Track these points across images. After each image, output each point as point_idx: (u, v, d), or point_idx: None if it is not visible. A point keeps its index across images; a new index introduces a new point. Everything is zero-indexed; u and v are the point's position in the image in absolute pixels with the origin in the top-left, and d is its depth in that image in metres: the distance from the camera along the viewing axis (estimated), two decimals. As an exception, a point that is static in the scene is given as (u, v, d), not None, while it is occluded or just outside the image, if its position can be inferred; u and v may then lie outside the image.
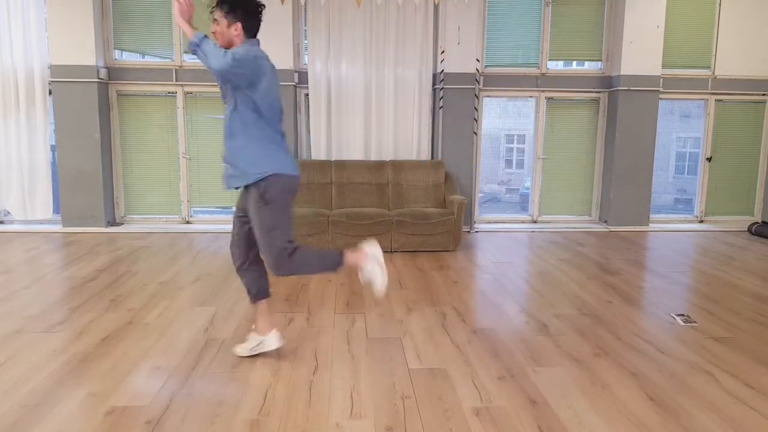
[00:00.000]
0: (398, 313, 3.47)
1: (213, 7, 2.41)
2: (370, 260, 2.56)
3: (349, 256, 2.57)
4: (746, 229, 6.44)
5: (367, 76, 6.08)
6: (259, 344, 2.74)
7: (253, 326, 2.79)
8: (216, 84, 6.04)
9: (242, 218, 2.62)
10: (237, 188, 2.56)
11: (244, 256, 2.66)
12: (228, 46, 2.46)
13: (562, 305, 3.67)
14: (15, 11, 5.77)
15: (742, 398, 2.40)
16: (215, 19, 2.43)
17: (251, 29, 2.50)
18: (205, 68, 6.05)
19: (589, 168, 6.70)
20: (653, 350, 2.92)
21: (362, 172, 5.81)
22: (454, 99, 6.17)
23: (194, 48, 2.30)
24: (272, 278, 4.24)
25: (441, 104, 6.17)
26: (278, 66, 6.24)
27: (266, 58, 2.51)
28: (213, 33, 2.45)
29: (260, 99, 2.41)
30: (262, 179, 2.43)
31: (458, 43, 6.06)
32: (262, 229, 2.45)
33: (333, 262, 2.56)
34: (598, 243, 5.70)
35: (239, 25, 2.44)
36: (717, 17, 6.47)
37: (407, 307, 3.60)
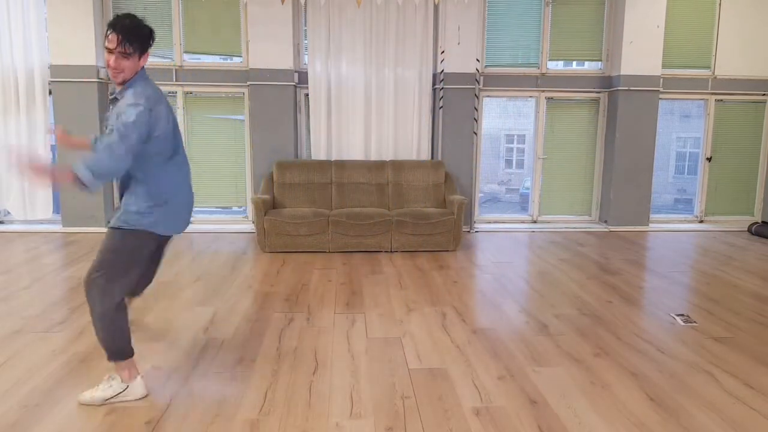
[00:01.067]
0: (398, 313, 3.47)
1: (120, 43, 2.11)
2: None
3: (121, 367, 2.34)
4: (746, 229, 6.44)
5: (367, 76, 6.08)
6: (121, 392, 2.33)
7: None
8: (215, 84, 6.09)
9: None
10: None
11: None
12: (132, 76, 2.19)
13: (562, 305, 3.67)
14: (15, 11, 5.77)
15: (742, 398, 2.40)
16: (122, 53, 2.12)
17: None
18: (205, 68, 6.09)
19: (589, 168, 6.70)
20: (653, 350, 2.92)
21: (362, 172, 5.81)
22: (454, 99, 6.17)
23: (89, 182, 2.00)
24: (273, 278, 4.25)
25: (441, 104, 6.17)
26: (278, 66, 6.28)
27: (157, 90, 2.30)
28: (115, 68, 2.14)
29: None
30: None
31: (458, 43, 6.06)
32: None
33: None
34: (598, 243, 5.70)
35: (147, 54, 2.22)
36: (717, 17, 6.47)
37: (407, 307, 3.60)
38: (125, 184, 2.29)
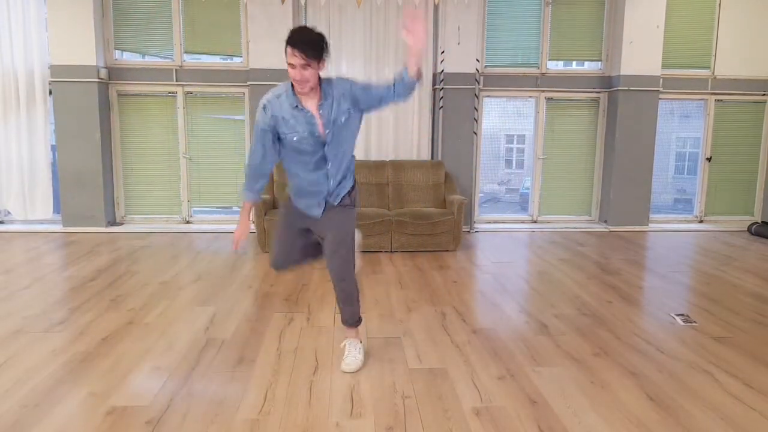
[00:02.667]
0: (398, 313, 3.47)
1: (309, 57, 2.24)
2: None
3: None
4: (746, 229, 6.44)
5: (367, 76, 6.08)
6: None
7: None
8: (216, 84, 6.09)
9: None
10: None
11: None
12: (314, 84, 2.34)
13: (562, 305, 3.67)
14: (15, 11, 5.77)
15: (742, 398, 2.40)
16: (308, 65, 2.24)
17: None
18: (205, 68, 6.09)
19: (589, 168, 6.70)
20: (653, 350, 2.92)
21: (362, 172, 5.80)
22: (454, 99, 6.17)
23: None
24: (273, 278, 4.25)
25: (441, 104, 6.17)
26: (278, 66, 6.27)
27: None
28: (298, 79, 2.27)
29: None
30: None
31: (458, 43, 6.06)
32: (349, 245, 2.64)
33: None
34: (598, 243, 5.71)
35: (324, 61, 2.34)
36: (717, 17, 6.47)
37: (407, 307, 3.60)
38: (344, 165, 2.54)
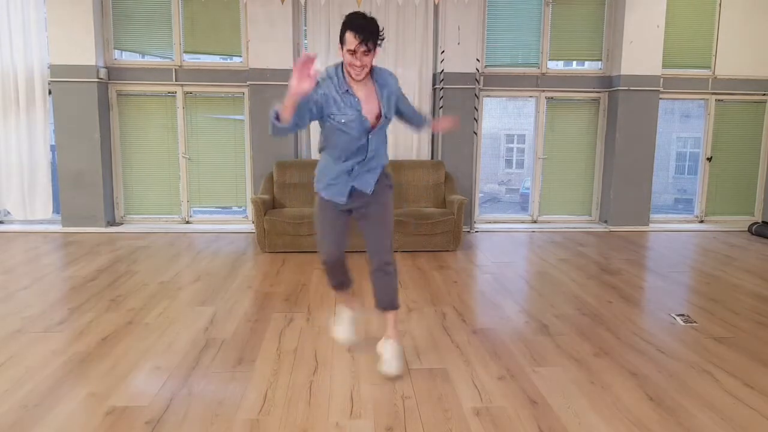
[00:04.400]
0: (398, 313, 3.46)
1: (371, 43, 2.29)
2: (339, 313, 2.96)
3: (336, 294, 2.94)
4: (746, 229, 6.44)
5: (367, 76, 6.08)
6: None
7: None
8: (215, 84, 6.09)
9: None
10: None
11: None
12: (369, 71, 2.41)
13: (562, 305, 3.66)
14: (15, 11, 5.77)
15: (742, 398, 2.40)
16: (369, 51, 2.29)
17: None
18: (205, 68, 6.09)
19: (589, 168, 6.70)
20: (653, 350, 2.92)
21: (362, 172, 5.80)
22: (454, 99, 6.17)
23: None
24: (273, 278, 4.25)
25: (441, 104, 6.17)
26: (278, 66, 6.28)
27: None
28: (358, 65, 2.30)
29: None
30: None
31: (458, 43, 6.06)
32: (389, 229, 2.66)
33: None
34: (598, 243, 5.70)
35: (378, 49, 2.38)
36: (717, 17, 6.47)
37: (407, 307, 3.60)
38: (379, 149, 2.55)
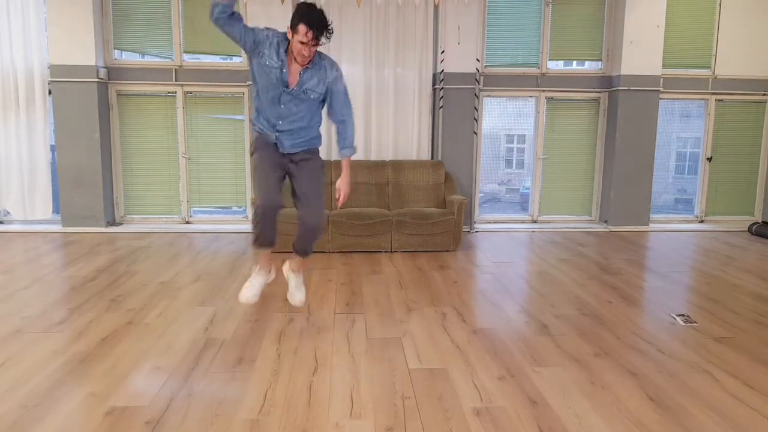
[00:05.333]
0: (398, 313, 3.47)
1: (321, 36, 2.63)
2: (254, 277, 3.15)
3: (257, 252, 3.17)
4: (746, 229, 6.44)
5: (367, 76, 6.08)
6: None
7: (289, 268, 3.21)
8: (215, 84, 6.08)
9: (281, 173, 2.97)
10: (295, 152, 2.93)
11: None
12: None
13: (562, 305, 3.66)
14: (15, 11, 5.77)
15: (742, 398, 2.40)
16: (317, 44, 2.66)
17: None
18: (205, 68, 6.09)
19: (589, 168, 6.70)
20: (653, 350, 2.91)
21: (362, 172, 5.80)
22: (454, 99, 6.17)
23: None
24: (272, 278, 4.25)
25: (441, 104, 6.17)
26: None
27: None
28: (306, 55, 2.67)
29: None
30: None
31: (458, 43, 6.06)
32: (320, 193, 2.97)
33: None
34: (598, 243, 5.70)
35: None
36: (717, 17, 6.47)
37: (407, 307, 3.60)
38: (300, 123, 2.88)
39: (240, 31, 2.68)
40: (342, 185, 2.95)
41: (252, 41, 2.71)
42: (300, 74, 2.74)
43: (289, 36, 2.65)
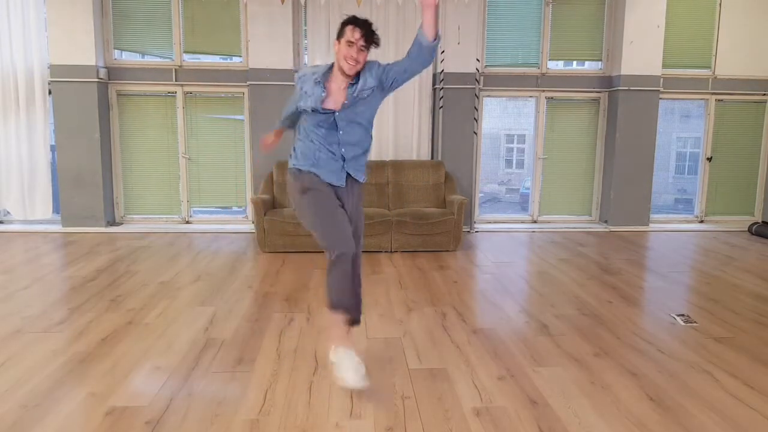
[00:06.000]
0: (398, 313, 3.47)
1: (369, 37, 2.41)
2: (340, 357, 2.41)
3: (332, 322, 2.49)
4: (746, 229, 6.44)
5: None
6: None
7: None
8: (215, 84, 6.08)
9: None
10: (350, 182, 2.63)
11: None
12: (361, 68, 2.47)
13: (562, 305, 3.66)
14: (15, 11, 5.77)
15: (742, 398, 2.40)
16: (365, 48, 2.41)
17: None
18: (205, 68, 6.09)
19: (589, 168, 6.70)
20: (653, 350, 2.91)
21: (362, 172, 5.80)
22: (454, 99, 6.17)
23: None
24: (273, 278, 4.25)
25: (441, 104, 6.17)
26: (278, 66, 6.28)
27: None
28: (354, 57, 2.39)
29: None
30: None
31: (458, 43, 6.06)
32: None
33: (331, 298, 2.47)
34: (598, 243, 5.70)
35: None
36: (717, 17, 6.47)
37: (407, 307, 3.60)
38: (358, 139, 2.57)
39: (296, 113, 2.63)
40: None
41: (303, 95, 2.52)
42: (347, 88, 2.46)
43: (336, 48, 2.44)
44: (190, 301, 3.68)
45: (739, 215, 6.86)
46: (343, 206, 2.55)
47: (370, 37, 2.40)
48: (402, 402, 2.34)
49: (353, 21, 2.41)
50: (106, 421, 2.16)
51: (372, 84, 2.48)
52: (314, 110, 2.47)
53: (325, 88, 2.48)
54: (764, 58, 6.56)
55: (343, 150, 2.51)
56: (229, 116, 6.34)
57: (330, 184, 2.52)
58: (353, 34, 2.36)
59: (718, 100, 6.65)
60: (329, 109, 2.46)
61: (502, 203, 10.91)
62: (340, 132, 2.50)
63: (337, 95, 2.48)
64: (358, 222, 2.65)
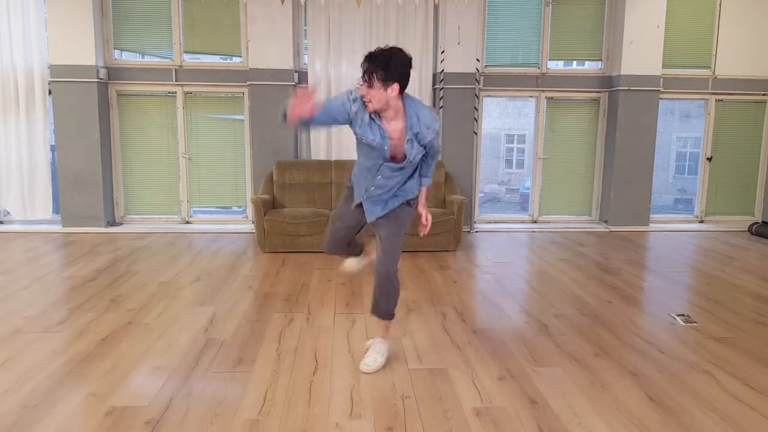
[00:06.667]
0: (398, 313, 3.46)
1: (370, 75, 2.31)
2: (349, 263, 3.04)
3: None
4: (746, 229, 6.44)
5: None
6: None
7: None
8: (215, 84, 6.08)
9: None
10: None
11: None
12: (386, 106, 2.36)
13: (562, 305, 3.66)
14: (15, 11, 5.77)
15: (742, 398, 2.40)
16: (370, 84, 2.32)
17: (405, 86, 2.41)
18: (205, 68, 6.09)
19: (589, 168, 6.70)
20: (653, 350, 2.91)
21: (362, 172, 5.80)
22: (454, 99, 6.17)
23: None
24: (273, 278, 4.25)
25: (441, 104, 6.17)
26: (278, 66, 6.29)
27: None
28: (363, 94, 2.34)
29: None
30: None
31: (458, 43, 6.06)
32: (400, 245, 2.68)
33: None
34: (598, 243, 5.70)
35: (396, 86, 2.32)
36: (717, 17, 6.47)
37: (407, 307, 3.60)
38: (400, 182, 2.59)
39: (328, 120, 2.47)
40: (425, 212, 2.72)
41: (346, 118, 2.44)
42: (407, 137, 2.42)
43: None
44: (190, 301, 3.69)
45: (739, 215, 6.86)
46: (359, 222, 2.70)
47: (374, 72, 2.28)
48: (402, 402, 2.34)
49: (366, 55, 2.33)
50: (106, 421, 2.16)
51: (420, 154, 2.49)
52: (373, 145, 2.43)
53: (383, 129, 2.40)
54: (764, 58, 6.56)
55: (372, 187, 2.57)
56: (229, 116, 6.34)
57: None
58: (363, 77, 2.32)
59: (718, 100, 6.65)
60: (395, 162, 2.47)
61: (502, 203, 10.92)
62: (379, 176, 2.53)
63: (397, 144, 2.44)
64: (388, 240, 2.61)
